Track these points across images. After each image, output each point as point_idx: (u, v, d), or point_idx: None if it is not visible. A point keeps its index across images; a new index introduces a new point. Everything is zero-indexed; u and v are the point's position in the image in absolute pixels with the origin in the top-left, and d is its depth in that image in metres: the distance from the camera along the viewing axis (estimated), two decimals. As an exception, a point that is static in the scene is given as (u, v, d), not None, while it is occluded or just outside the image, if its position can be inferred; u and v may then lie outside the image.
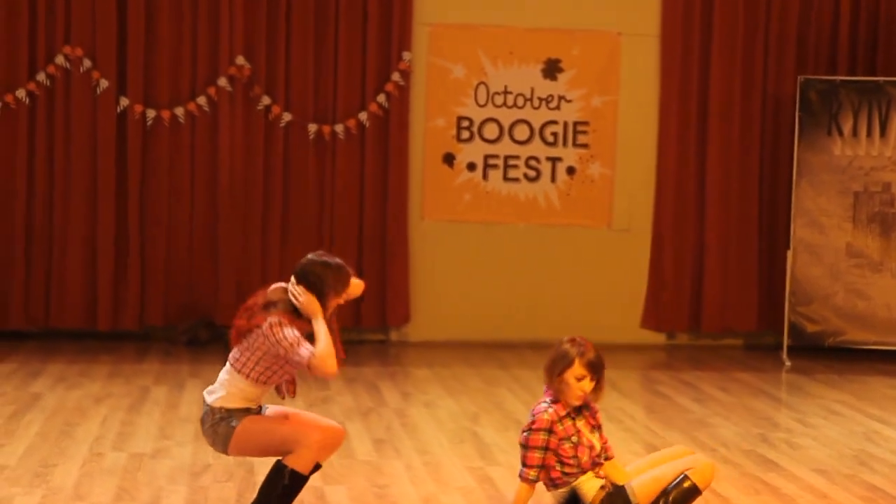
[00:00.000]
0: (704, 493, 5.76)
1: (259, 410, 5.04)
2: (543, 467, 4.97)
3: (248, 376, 4.93)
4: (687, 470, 4.99)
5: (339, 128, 9.83)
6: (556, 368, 4.98)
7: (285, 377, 5.04)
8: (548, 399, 5.03)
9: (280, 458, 4.91)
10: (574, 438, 4.97)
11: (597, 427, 5.11)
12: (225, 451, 4.96)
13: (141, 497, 5.57)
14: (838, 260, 9.84)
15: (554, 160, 10.23)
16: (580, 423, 5.04)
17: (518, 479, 5.00)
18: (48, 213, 9.59)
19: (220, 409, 4.94)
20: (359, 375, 8.65)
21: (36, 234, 9.59)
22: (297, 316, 4.92)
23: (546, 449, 4.94)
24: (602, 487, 4.99)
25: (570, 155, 10.23)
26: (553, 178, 10.23)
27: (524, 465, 4.98)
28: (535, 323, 10.07)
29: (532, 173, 10.21)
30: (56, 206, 9.56)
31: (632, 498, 4.94)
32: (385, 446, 6.66)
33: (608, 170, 10.25)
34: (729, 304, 10.27)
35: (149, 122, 9.60)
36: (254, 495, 5.10)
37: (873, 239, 9.81)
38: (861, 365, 9.57)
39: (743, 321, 10.30)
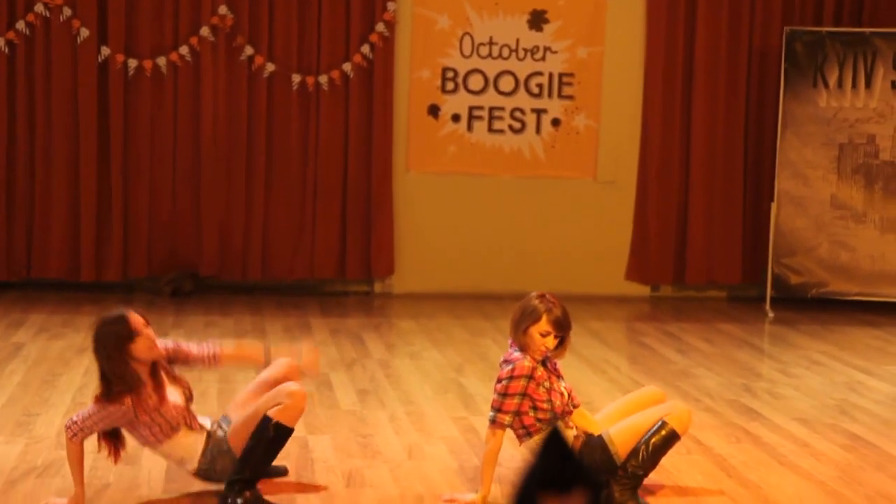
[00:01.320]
0: (686, 442, 5.80)
1: (221, 430, 4.95)
2: (517, 414, 4.95)
3: (155, 445, 4.86)
4: (664, 416, 4.98)
5: (322, 79, 9.77)
6: (522, 323, 4.96)
7: (174, 416, 4.84)
8: (514, 350, 5.02)
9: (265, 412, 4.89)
10: (546, 384, 4.96)
11: (560, 377, 5.10)
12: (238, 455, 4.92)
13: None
14: (823, 212, 9.85)
15: (539, 112, 10.19)
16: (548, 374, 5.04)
17: (490, 427, 4.97)
18: (30, 163, 9.53)
19: (201, 461, 4.85)
20: (343, 327, 8.65)
21: (18, 184, 9.54)
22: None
23: (524, 395, 4.93)
24: (575, 437, 4.99)
25: (555, 106, 10.20)
26: (538, 130, 10.20)
27: (500, 410, 4.93)
28: (519, 274, 10.07)
29: (517, 125, 10.18)
30: (37, 156, 9.50)
31: (610, 446, 4.94)
32: (369, 397, 6.67)
33: (593, 122, 10.22)
34: (713, 257, 10.29)
35: (130, 72, 9.53)
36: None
37: (857, 191, 9.81)
38: (844, 316, 9.61)
39: (727, 273, 10.32)
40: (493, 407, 4.97)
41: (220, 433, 4.91)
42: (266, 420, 4.79)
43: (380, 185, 9.91)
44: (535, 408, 4.95)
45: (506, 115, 10.16)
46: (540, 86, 10.17)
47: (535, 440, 5.00)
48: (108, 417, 4.73)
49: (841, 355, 8.19)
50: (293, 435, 5.70)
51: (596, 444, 4.97)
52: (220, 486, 4.85)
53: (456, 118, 10.11)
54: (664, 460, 5.14)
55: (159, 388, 4.79)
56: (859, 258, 9.84)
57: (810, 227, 9.86)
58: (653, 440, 4.94)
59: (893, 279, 9.80)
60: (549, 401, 4.94)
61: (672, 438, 4.97)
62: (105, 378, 4.73)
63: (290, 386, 4.85)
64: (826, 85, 9.77)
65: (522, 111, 10.17)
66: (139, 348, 4.72)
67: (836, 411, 6.66)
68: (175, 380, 4.91)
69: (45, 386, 6.65)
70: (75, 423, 4.71)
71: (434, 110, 10.09)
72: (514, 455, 5.63)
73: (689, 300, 10.35)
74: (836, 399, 6.95)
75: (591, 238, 10.30)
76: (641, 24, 10.16)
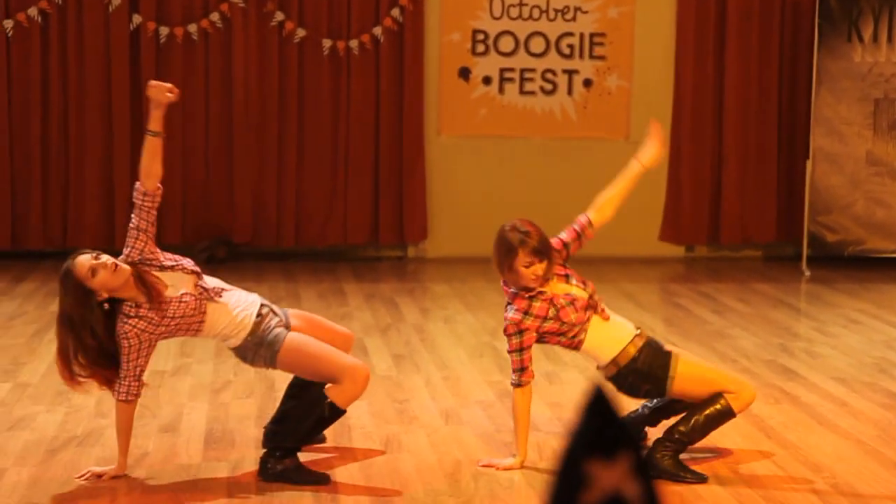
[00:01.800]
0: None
1: (282, 321, 4.90)
2: (525, 369, 4.89)
3: (197, 335, 4.82)
4: (727, 392, 4.90)
5: (353, 43, 9.74)
6: (503, 262, 4.87)
7: (192, 306, 4.74)
8: (511, 305, 4.92)
9: (323, 387, 4.86)
10: (551, 311, 4.87)
11: (569, 276, 4.95)
12: (273, 367, 4.88)
13: (162, 414, 5.61)
14: (858, 168, 9.76)
15: (570, 73, 10.13)
16: (551, 289, 4.89)
17: (514, 389, 4.92)
18: (64, 132, 9.57)
19: (247, 339, 4.78)
20: (377, 292, 8.66)
21: (52, 154, 9.58)
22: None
23: (522, 349, 4.90)
24: (638, 335, 4.91)
25: (586, 67, 10.13)
26: (569, 91, 10.14)
27: (516, 371, 4.91)
28: (552, 236, 10.01)
29: (548, 86, 10.12)
30: (71, 125, 9.53)
31: (670, 371, 4.87)
32: (404, 362, 6.68)
33: (625, 82, 10.15)
34: (748, 216, 10.22)
35: (162, 40, 9.53)
36: (273, 410, 5.12)
37: (894, 147, 9.71)
38: (881, 273, 9.53)
39: (762, 232, 10.26)
40: (512, 368, 4.93)
41: (273, 322, 4.80)
42: (322, 398, 4.76)
43: (411, 149, 9.89)
44: (560, 334, 4.91)
45: (537, 76, 10.10)
46: (571, 46, 10.10)
47: (594, 342, 4.93)
48: (136, 347, 4.64)
49: (879, 313, 8.14)
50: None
51: (659, 354, 4.90)
52: (259, 452, 4.88)
53: (487, 80, 10.06)
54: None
55: (154, 293, 4.63)
56: (895, 215, 9.75)
57: (846, 185, 9.77)
58: (706, 412, 4.88)
59: (931, 236, 9.72)
60: (564, 323, 4.86)
61: (727, 415, 4.91)
62: (90, 328, 4.60)
63: (358, 368, 4.78)
64: (861, 39, 9.65)
65: (553, 72, 10.11)
66: (101, 285, 4.58)
67: (874, 370, 6.62)
68: (169, 269, 4.75)
69: (83, 355, 6.68)
70: (120, 385, 4.67)
71: (465, 73, 10.05)
72: (550, 417, 5.63)
73: (724, 260, 10.30)
74: (875, 357, 6.91)
75: (625, 200, 10.22)
76: (673, -19, 10.06)
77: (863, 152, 9.75)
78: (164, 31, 9.51)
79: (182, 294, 4.70)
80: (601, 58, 10.12)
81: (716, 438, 5.34)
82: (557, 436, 5.37)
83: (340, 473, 4.87)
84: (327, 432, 5.29)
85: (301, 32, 9.68)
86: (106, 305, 4.65)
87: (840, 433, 5.48)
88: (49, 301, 8.12)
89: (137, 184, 4.83)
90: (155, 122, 4.83)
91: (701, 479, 4.84)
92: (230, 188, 9.75)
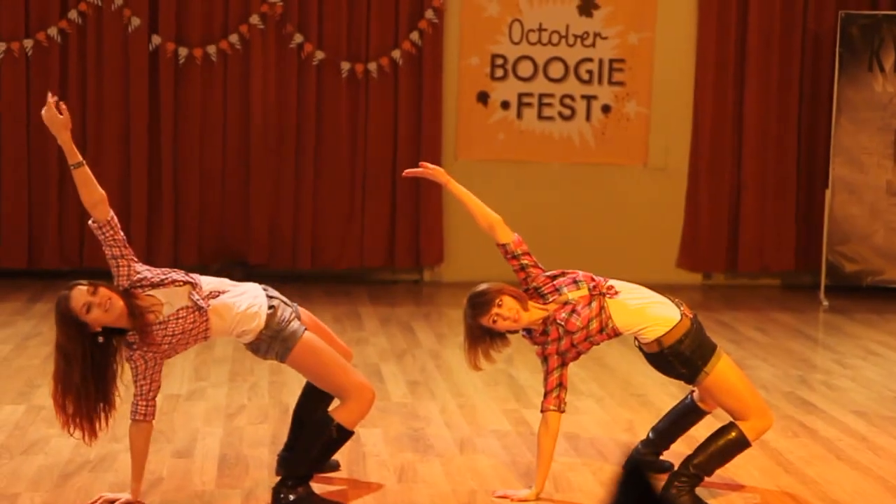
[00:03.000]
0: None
1: (294, 313, 4.84)
2: (559, 387, 4.87)
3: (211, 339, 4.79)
4: (741, 419, 4.81)
5: (372, 66, 9.73)
6: (485, 339, 4.96)
7: (191, 320, 4.70)
8: (536, 344, 4.95)
9: (322, 404, 4.84)
10: (561, 331, 4.84)
11: (558, 288, 4.91)
12: (282, 362, 4.81)
13: (177, 439, 5.57)
14: (878, 198, 9.70)
15: (589, 98, 10.11)
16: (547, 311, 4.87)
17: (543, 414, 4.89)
18: (81, 151, 9.45)
19: (261, 335, 4.72)
20: (393, 316, 8.62)
21: (69, 174, 9.54)
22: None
23: (558, 367, 4.87)
24: (685, 317, 4.86)
25: (605, 93, 10.10)
26: (588, 117, 10.11)
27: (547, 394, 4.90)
28: (569, 262, 9.90)
29: (567, 112, 10.10)
30: (89, 145, 9.54)
31: (710, 365, 4.79)
32: (420, 388, 6.64)
33: (644, 108, 10.12)
34: (766, 244, 10.17)
35: (181, 61, 9.54)
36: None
37: (914, 177, 9.66)
38: (900, 305, 9.47)
39: (780, 261, 10.20)
40: (545, 390, 4.91)
41: (287, 314, 4.75)
42: (328, 420, 4.73)
43: (429, 172, 9.85)
44: (587, 338, 4.86)
45: (555, 101, 10.08)
46: (590, 72, 10.08)
47: (623, 330, 4.89)
48: (143, 369, 4.62)
49: (898, 345, 8.07)
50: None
51: (704, 344, 4.85)
52: (273, 479, 4.84)
53: (505, 105, 10.04)
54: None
55: (142, 325, 4.59)
56: (915, 245, 9.68)
57: (865, 214, 9.72)
58: (720, 443, 4.82)
59: (951, 267, 9.64)
60: (578, 330, 4.82)
61: (742, 445, 4.83)
62: (85, 359, 4.58)
63: (366, 388, 4.75)
64: (882, 69, 9.61)
65: (572, 98, 10.09)
66: (94, 321, 4.56)
67: (894, 403, 6.56)
68: (161, 285, 4.71)
69: (97, 377, 6.65)
70: (137, 406, 4.65)
71: (483, 97, 10.03)
72: (566, 448, 5.58)
73: (742, 288, 10.24)
74: (894, 391, 6.84)
75: (642, 225, 10.21)
76: (693, 8, 10.04)
77: (883, 182, 9.69)
78: (183, 52, 9.52)
79: (178, 310, 4.66)
80: (620, 84, 10.10)
81: (734, 473, 5.28)
82: (573, 467, 5.32)
83: (354, 502, 4.83)
84: (341, 460, 5.25)
85: (320, 55, 9.68)
86: (100, 338, 4.61)
87: (860, 469, 5.42)
88: (64, 321, 8.10)
89: (90, 221, 4.77)
90: (70, 154, 4.80)
91: (716, 513, 4.78)
92: (246, 210, 9.74)
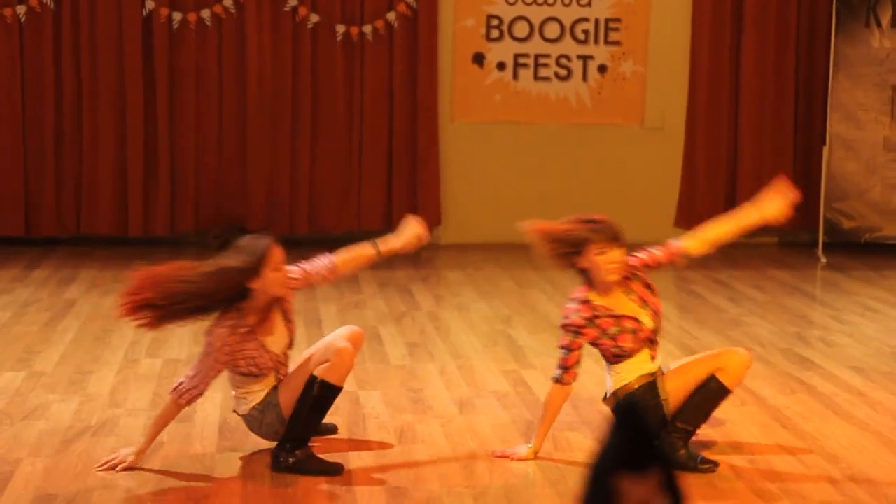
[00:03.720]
0: (740, 393, 5.76)
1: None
2: (569, 368, 4.88)
3: (235, 377, 4.83)
4: (716, 371, 4.87)
5: (367, 28, 9.70)
6: (573, 256, 4.76)
7: (265, 361, 4.80)
8: (577, 297, 4.90)
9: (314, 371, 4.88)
10: (613, 329, 4.81)
11: (645, 302, 4.86)
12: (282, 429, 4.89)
13: (177, 403, 5.58)
14: (875, 154, 9.70)
15: (585, 58, 10.08)
16: (621, 309, 4.82)
17: (554, 384, 4.91)
18: (77, 119, 9.55)
19: (253, 408, 4.84)
20: (391, 279, 8.64)
21: (65, 140, 9.57)
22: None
23: (571, 350, 4.86)
24: (649, 374, 4.85)
25: (601, 53, 10.07)
26: (584, 77, 10.09)
27: (562, 368, 4.88)
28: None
29: (563, 72, 10.07)
30: (84, 111, 9.52)
31: (661, 393, 4.86)
32: (419, 350, 6.66)
33: (640, 67, 10.09)
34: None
35: (175, 26, 9.50)
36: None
37: (911, 133, 9.64)
38: (898, 261, 9.48)
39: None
40: (557, 363, 4.89)
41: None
42: (312, 379, 4.78)
43: (425, 135, 9.86)
44: (606, 349, 4.86)
45: (551, 62, 10.05)
46: (586, 32, 10.04)
47: (622, 367, 4.88)
48: (212, 354, 4.67)
49: (895, 301, 8.08)
50: (344, 390, 5.71)
51: (650, 386, 4.86)
52: (273, 443, 4.86)
53: (501, 66, 10.02)
54: (718, 413, 5.10)
55: (265, 326, 4.74)
56: (913, 202, 9.68)
57: (862, 171, 9.71)
58: (699, 395, 4.83)
59: (948, 222, 9.65)
60: (618, 346, 4.83)
61: (721, 393, 4.86)
62: (219, 295, 4.66)
63: (339, 343, 4.83)
64: (879, 24, 9.58)
65: (568, 58, 10.06)
66: (268, 282, 4.67)
67: (891, 359, 6.58)
68: (287, 323, 4.86)
69: (97, 343, 6.69)
70: (182, 383, 4.71)
71: (479, 59, 10.00)
72: (566, 409, 5.60)
73: (740, 247, 10.21)
74: (892, 346, 6.86)
75: (639, 185, 10.20)
76: (689, -34, 10.00)
77: (880, 138, 9.68)
78: (177, 16, 9.49)
79: (270, 353, 4.78)
80: (616, 43, 10.06)
81: (731, 429, 5.31)
82: (572, 426, 5.34)
83: (354, 463, 4.85)
84: (341, 423, 5.27)
85: (314, 18, 9.64)
86: (245, 294, 4.67)
87: (857, 423, 5.45)
88: (62, 289, 8.13)
89: (326, 263, 4.99)
90: (387, 248, 5.12)
91: (712, 468, 4.80)
92: (244, 175, 9.73)
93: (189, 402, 4.73)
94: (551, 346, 6.72)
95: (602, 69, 10.08)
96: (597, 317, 4.82)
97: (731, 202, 10.20)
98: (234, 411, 4.98)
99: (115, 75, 9.51)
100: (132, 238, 9.69)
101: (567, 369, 4.85)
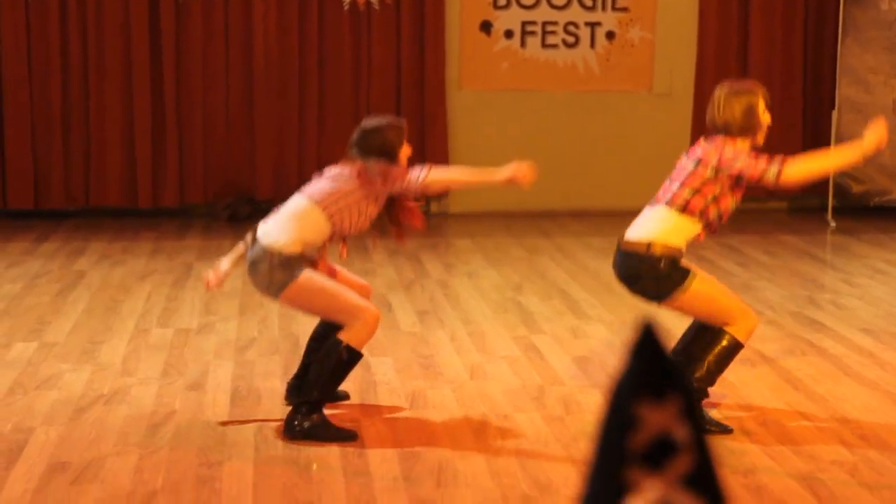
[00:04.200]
0: (751, 355, 5.77)
1: (313, 263, 4.89)
2: (768, 165, 4.81)
3: (325, 209, 4.83)
4: (730, 325, 4.83)
5: (373, -2, 9.66)
6: (752, 116, 4.83)
7: (352, 227, 4.91)
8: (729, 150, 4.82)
9: (335, 332, 4.85)
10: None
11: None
12: (275, 297, 4.85)
13: (188, 372, 5.62)
14: (884, 118, 9.63)
15: (593, 25, 10.04)
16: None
17: (783, 174, 4.80)
18: (84, 92, 9.55)
19: (279, 254, 4.78)
20: (400, 247, 8.63)
21: (74, 113, 9.57)
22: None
23: (749, 160, 4.80)
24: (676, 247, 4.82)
25: (609, 19, 10.03)
26: (592, 44, 10.05)
27: (768, 165, 4.79)
28: (575, 190, 10.00)
29: (570, 39, 10.03)
30: (92, 85, 9.52)
31: (686, 283, 4.77)
32: (429, 317, 6.67)
33: (648, 33, 10.06)
34: (773, 167, 10.12)
35: (181, 0, 9.49)
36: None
37: (921, 96, 9.60)
38: (908, 225, 9.45)
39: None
40: (759, 174, 4.80)
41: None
42: (337, 343, 4.77)
43: (433, 103, 9.84)
44: (736, 187, 4.87)
45: (559, 29, 10.02)
46: (593, -2, 10.00)
47: (689, 220, 4.84)
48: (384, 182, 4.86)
49: (905, 264, 8.08)
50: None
51: (678, 268, 4.80)
52: (286, 409, 4.88)
53: (509, 34, 9.98)
54: (730, 375, 5.11)
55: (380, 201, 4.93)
56: (923, 165, 9.65)
57: (872, 135, 9.66)
58: (715, 351, 4.81)
59: (958, 185, 9.61)
60: (718, 210, 4.87)
61: (735, 348, 4.85)
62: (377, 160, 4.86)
63: (369, 309, 4.80)
64: (887, -13, 9.51)
65: (576, 25, 10.02)
66: (402, 158, 5.00)
67: (901, 321, 6.58)
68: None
69: (108, 313, 6.71)
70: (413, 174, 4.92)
71: (486, 26, 9.97)
72: (576, 372, 5.61)
73: (749, 212, 10.20)
74: (902, 309, 6.86)
75: (648, 151, 10.18)
76: (696, -70, 9.94)
77: (889, 101, 9.64)
78: (183, -12, 9.46)
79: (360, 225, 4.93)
80: (624, 9, 10.02)
81: (742, 391, 5.32)
82: (583, 389, 5.36)
83: (367, 429, 4.87)
84: (352, 389, 5.29)
85: (321, -13, 9.61)
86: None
87: (867, 384, 5.45)
88: (72, 260, 8.15)
89: (422, 176, 4.98)
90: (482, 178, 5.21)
91: (726, 430, 4.82)
92: (252, 146, 9.73)
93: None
94: (561, 312, 6.73)
95: (610, 36, 10.04)
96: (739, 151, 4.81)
97: (740, 167, 10.18)
98: (259, 240, 4.89)
99: (121, 49, 9.50)
100: (141, 210, 9.71)
101: (773, 159, 4.79)
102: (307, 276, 4.77)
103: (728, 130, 4.83)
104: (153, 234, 9.07)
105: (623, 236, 4.92)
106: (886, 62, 9.59)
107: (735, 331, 4.83)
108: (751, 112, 4.84)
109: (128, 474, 4.40)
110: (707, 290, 4.82)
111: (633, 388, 1.10)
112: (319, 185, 4.96)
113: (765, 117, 4.91)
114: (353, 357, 4.80)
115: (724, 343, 4.82)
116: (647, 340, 1.12)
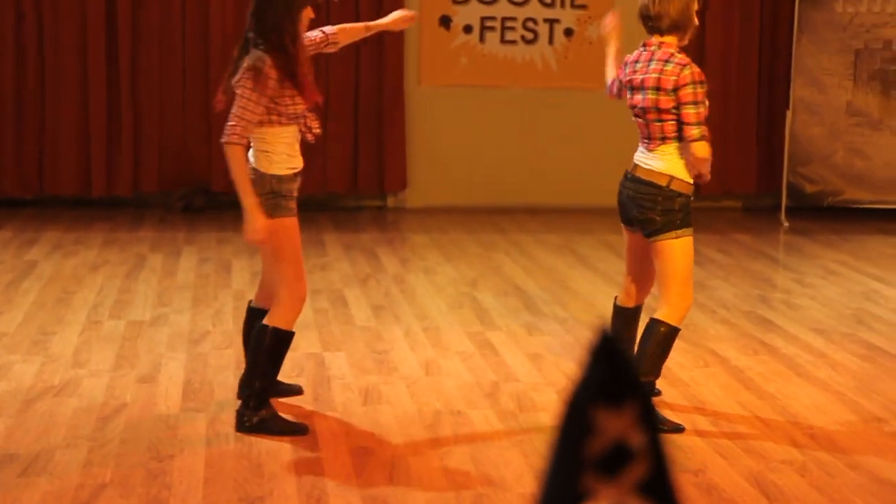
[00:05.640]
0: (703, 355, 5.81)
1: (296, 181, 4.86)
2: (701, 123, 4.86)
3: (262, 125, 4.73)
4: (665, 307, 4.83)
5: (332, -10, 9.62)
6: (685, 16, 4.83)
7: (296, 105, 4.77)
8: (674, 55, 4.86)
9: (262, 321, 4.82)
10: (701, 86, 4.92)
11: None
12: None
13: (140, 365, 5.57)
14: (838, 119, 9.75)
15: (552, 22, 10.05)
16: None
17: (697, 142, 4.85)
18: (39, 80, 9.45)
19: (272, 177, 4.75)
20: (356, 242, 8.62)
21: (27, 100, 9.46)
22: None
23: (699, 102, 4.85)
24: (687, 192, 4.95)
25: (568, 16, 10.05)
26: (551, 41, 10.07)
27: (692, 123, 4.85)
28: (532, 187, 10.01)
29: (529, 35, 10.04)
30: (47, 72, 9.41)
31: (679, 231, 4.85)
32: (384, 312, 6.65)
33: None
34: (728, 166, 10.20)
35: (137, -14, 9.40)
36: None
37: (874, 97, 9.69)
38: (860, 224, 9.54)
39: (742, 183, 10.25)
40: (691, 123, 4.86)
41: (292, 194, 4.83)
42: (264, 329, 4.74)
43: (391, 98, 9.82)
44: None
45: (518, 25, 10.02)
46: (552, -6, 10.01)
47: (681, 146, 4.89)
48: (258, 90, 4.63)
49: (857, 264, 8.15)
50: (309, 352, 5.72)
51: (689, 216, 4.91)
52: (238, 404, 4.86)
53: (468, 29, 9.98)
54: (682, 374, 5.14)
55: (301, 77, 4.73)
56: (875, 166, 9.75)
57: (826, 135, 9.76)
58: (654, 342, 4.81)
59: (910, 187, 9.72)
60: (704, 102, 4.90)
61: (673, 334, 4.85)
62: (273, 26, 4.67)
63: (302, 286, 4.78)
64: (843, -10, 9.60)
65: (535, 21, 10.03)
66: (304, 19, 4.76)
67: (852, 321, 6.64)
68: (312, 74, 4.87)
69: (59, 304, 6.64)
70: (229, 125, 4.64)
71: (445, 21, 9.96)
72: (530, 369, 5.62)
73: (704, 210, 10.26)
74: (853, 308, 6.92)
75: (605, 149, 10.20)
76: (655, -71, 9.97)
77: (843, 103, 9.73)
78: (140, -24, 9.38)
79: (301, 105, 4.76)
80: (582, 7, 10.04)
81: (695, 390, 5.35)
82: (537, 386, 5.37)
83: (319, 424, 4.86)
84: (306, 384, 5.27)
85: (279, -21, 9.55)
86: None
87: (818, 384, 5.50)
88: (25, 250, 8.06)
89: (333, 32, 5.16)
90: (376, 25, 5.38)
91: (678, 429, 4.84)
92: (208, 135, 9.66)
93: (239, 142, 4.63)
94: (516, 309, 6.74)
95: (568, 33, 10.06)
96: (693, 68, 4.85)
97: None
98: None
99: (77, 34, 9.40)
100: (96, 199, 9.62)
101: (701, 124, 4.86)
102: (280, 223, 4.74)
103: (658, 23, 4.83)
104: (107, 225, 8.99)
105: (636, 164, 4.93)
106: (840, 64, 9.67)
107: (669, 315, 4.83)
108: (685, 11, 4.85)
109: (77, 467, 4.36)
110: (687, 253, 4.89)
111: (590, 395, 1.10)
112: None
113: (695, 18, 4.93)
114: (284, 337, 4.78)
115: (662, 331, 4.83)
116: (604, 346, 1.12)
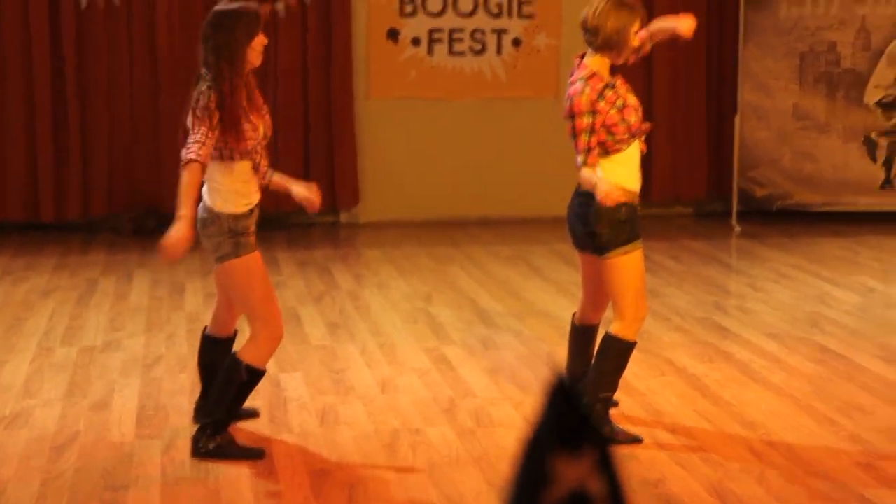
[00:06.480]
0: (659, 363, 5.82)
1: (252, 219, 4.76)
2: (591, 150, 4.84)
3: (215, 160, 4.65)
4: (618, 321, 4.82)
5: (279, 5, 9.58)
6: (621, 36, 4.79)
7: (249, 143, 4.72)
8: (581, 76, 4.85)
9: (236, 352, 4.79)
10: (619, 102, 4.83)
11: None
12: (214, 261, 4.74)
13: (93, 392, 5.51)
14: (785, 122, 9.82)
15: (499, 32, 10.07)
16: (619, 85, 4.88)
17: (581, 169, 4.83)
18: (-17, 104, 9.34)
19: (228, 216, 4.66)
20: (310, 259, 8.58)
21: (-28, 126, 9.35)
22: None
23: (592, 131, 4.83)
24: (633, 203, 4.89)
25: (515, 26, 10.07)
26: (499, 51, 10.08)
27: (578, 152, 4.84)
28: (484, 198, 10.01)
29: (477, 46, 10.05)
30: (-10, 96, 9.31)
31: (626, 247, 4.84)
32: (339, 330, 6.62)
33: (554, 40, 10.11)
34: (678, 173, 10.25)
35: (83, 6, 9.31)
36: (208, 386, 5.05)
37: (820, 100, 9.78)
38: (811, 227, 9.61)
39: (692, 189, 10.29)
40: (578, 149, 4.84)
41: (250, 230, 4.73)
42: (237, 363, 4.70)
43: (341, 113, 9.79)
44: (610, 132, 4.83)
45: (466, 36, 10.02)
46: (500, 5, 10.02)
47: (614, 159, 4.87)
48: (205, 124, 4.59)
49: (809, 267, 8.21)
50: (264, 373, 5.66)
51: (636, 227, 4.91)
52: (194, 428, 4.81)
53: (416, 42, 9.97)
54: (638, 384, 5.15)
55: (251, 97, 4.68)
56: (823, 168, 9.83)
57: (773, 139, 9.83)
58: (607, 359, 4.82)
59: (857, 188, 9.80)
60: (624, 120, 4.83)
61: (628, 349, 4.84)
62: (215, 62, 4.68)
63: (279, 324, 4.72)
64: (787, -6, 9.67)
65: (483, 32, 10.04)
66: (256, 47, 4.69)
67: (806, 324, 6.68)
68: (262, 107, 4.80)
69: (10, 331, 6.56)
70: (186, 147, 4.55)
71: (393, 34, 9.94)
72: (487, 384, 5.61)
73: (655, 217, 10.31)
74: (806, 312, 6.97)
75: (556, 158, 10.21)
76: (599, -62, 10.00)
77: (789, 106, 9.80)
78: (83, -3, 9.30)
79: (256, 133, 4.72)
80: (530, 16, 10.06)
81: (651, 399, 5.35)
82: (494, 402, 5.35)
83: (276, 447, 4.82)
84: (262, 406, 5.23)
85: (225, -4, 9.49)
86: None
87: (773, 389, 5.52)
88: (-26, 277, 7.96)
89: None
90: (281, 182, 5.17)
91: (636, 440, 4.84)
92: (158, 156, 9.58)
93: (197, 162, 4.51)
94: (471, 323, 6.73)
95: (516, 43, 10.08)
96: (605, 91, 4.82)
97: (645, 173, 10.23)
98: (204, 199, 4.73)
99: (21, 55, 9.29)
100: (45, 223, 9.51)
101: (590, 151, 4.84)
102: (244, 262, 4.65)
103: (592, 37, 4.84)
104: (57, 249, 8.89)
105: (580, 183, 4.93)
106: (786, 67, 9.75)
107: (623, 330, 4.81)
108: (622, 31, 4.82)
109: (30, 500, 4.30)
110: (637, 266, 4.88)
111: (548, 442, 1.08)
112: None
113: (633, 39, 4.88)
114: (256, 376, 4.74)
115: (616, 347, 4.83)
116: (559, 392, 1.10)
